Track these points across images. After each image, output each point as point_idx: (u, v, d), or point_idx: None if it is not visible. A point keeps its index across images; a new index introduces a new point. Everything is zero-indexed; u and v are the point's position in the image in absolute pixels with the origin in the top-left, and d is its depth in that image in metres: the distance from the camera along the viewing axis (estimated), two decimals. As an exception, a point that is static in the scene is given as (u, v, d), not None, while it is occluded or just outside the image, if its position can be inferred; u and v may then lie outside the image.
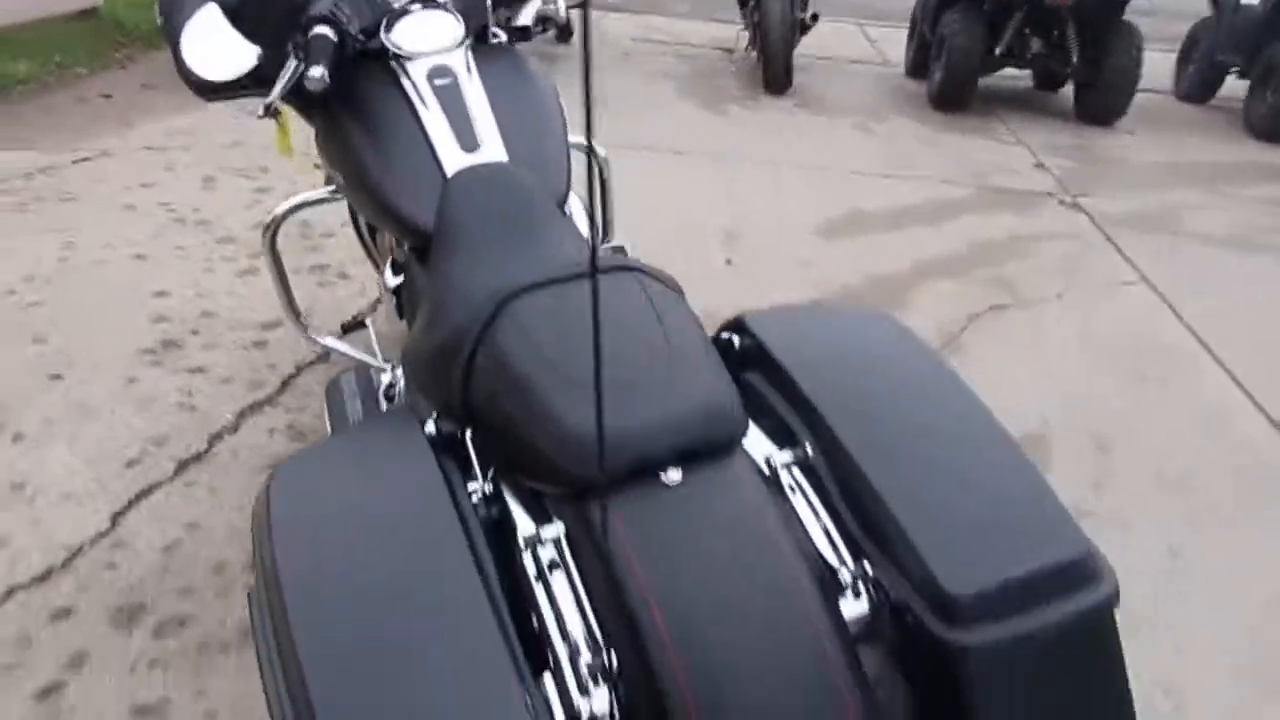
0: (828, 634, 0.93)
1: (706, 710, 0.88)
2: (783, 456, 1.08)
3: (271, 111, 1.57)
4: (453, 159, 1.50)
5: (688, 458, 1.01)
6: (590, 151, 0.96)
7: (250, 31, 1.56)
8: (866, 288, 3.20)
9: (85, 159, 3.81)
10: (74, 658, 1.65)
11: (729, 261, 3.32)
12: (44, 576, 1.81)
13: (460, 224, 1.44)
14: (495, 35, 1.83)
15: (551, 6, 5.00)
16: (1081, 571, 0.96)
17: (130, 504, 1.99)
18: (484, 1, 1.75)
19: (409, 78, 1.58)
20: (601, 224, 2.26)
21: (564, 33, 6.34)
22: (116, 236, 3.15)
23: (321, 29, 1.51)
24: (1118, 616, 0.99)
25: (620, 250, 2.15)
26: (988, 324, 3.03)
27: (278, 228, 1.89)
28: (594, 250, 0.82)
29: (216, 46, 1.55)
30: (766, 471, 1.08)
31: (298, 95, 1.55)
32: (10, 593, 1.77)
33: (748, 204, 3.86)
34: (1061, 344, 2.94)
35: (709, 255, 3.35)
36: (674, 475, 1.00)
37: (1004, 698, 0.94)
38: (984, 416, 1.11)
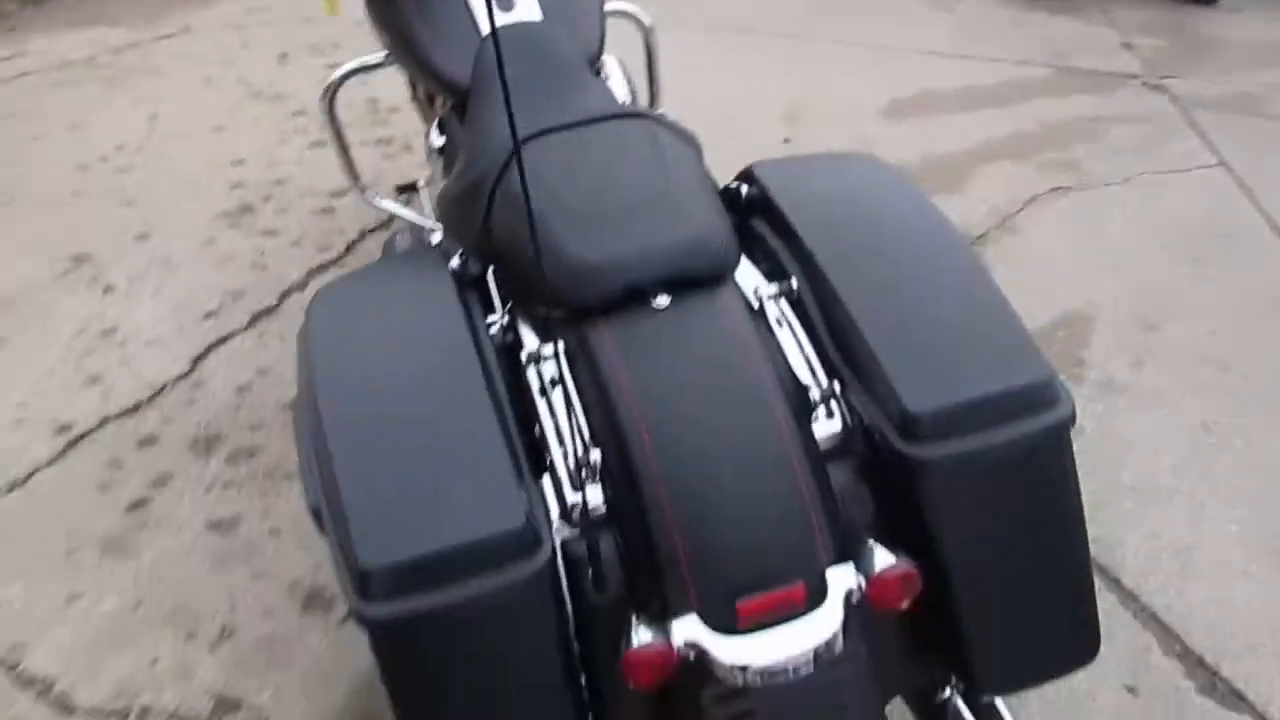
0: (794, 446, 1.02)
1: (680, 506, 0.98)
2: (769, 289, 1.15)
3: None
4: (489, 13, 1.57)
5: (676, 286, 1.10)
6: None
7: None
8: (925, 167, 3.19)
9: (168, 36, 3.95)
10: (159, 478, 1.85)
11: (787, 140, 3.33)
12: (133, 409, 2.01)
13: (492, 79, 1.52)
14: None
15: None
16: (1039, 395, 1.03)
17: (208, 350, 2.18)
18: None
19: None
20: (649, 89, 2.32)
21: None
22: (197, 109, 3.30)
23: None
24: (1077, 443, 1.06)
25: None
26: (1047, 205, 3.00)
27: (335, 91, 1.99)
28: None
29: None
30: (755, 304, 1.16)
31: None
32: (104, 422, 1.98)
33: (814, 84, 3.82)
34: (1122, 226, 2.90)
35: (767, 132, 3.36)
36: (662, 300, 1.09)
37: (958, 510, 1.03)
38: (963, 253, 1.18)
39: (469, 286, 1.23)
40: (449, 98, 1.64)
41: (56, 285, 2.35)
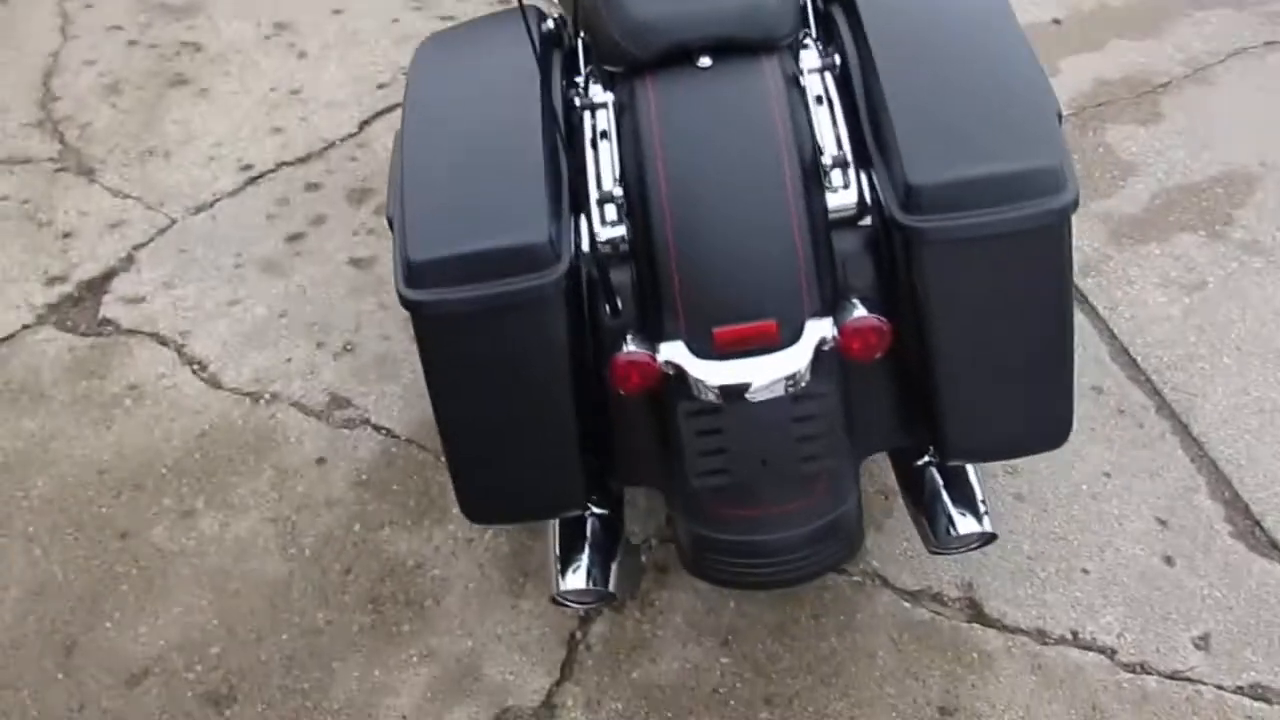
0: (797, 207, 1.11)
1: (682, 245, 1.11)
2: (813, 63, 1.21)
3: None
4: None
5: (721, 50, 1.18)
6: None
7: None
8: (1124, 7, 2.97)
9: None
10: (316, 218, 2.13)
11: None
12: (304, 159, 2.29)
13: None
14: None
15: None
16: (1043, 180, 1.07)
17: (375, 116, 2.41)
18: None
19: None
20: None
21: None
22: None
23: None
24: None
25: None
26: (1253, 60, 2.74)
27: None
28: None
29: None
30: (798, 76, 1.22)
31: None
32: (279, 166, 2.26)
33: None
34: (1332, 89, 2.64)
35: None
36: (704, 61, 1.18)
37: (946, 282, 1.10)
38: (1019, 48, 1.19)
39: (559, 48, 1.36)
40: None
41: (259, 47, 2.63)
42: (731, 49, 1.19)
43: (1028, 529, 1.59)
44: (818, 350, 1.08)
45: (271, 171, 2.25)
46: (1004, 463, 1.68)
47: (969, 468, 1.27)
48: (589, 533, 1.26)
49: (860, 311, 1.08)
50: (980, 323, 1.12)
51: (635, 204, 1.15)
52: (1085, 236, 2.12)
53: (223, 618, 1.44)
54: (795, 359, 1.07)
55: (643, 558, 1.52)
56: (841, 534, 1.19)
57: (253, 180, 2.22)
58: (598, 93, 1.25)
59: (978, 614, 1.47)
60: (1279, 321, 1.93)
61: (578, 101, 1.24)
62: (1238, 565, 1.55)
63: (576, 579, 1.22)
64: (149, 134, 2.34)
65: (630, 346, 1.09)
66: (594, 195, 1.17)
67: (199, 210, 2.15)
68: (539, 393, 1.14)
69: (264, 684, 1.37)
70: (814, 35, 1.31)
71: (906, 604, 1.48)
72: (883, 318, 1.08)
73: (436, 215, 1.14)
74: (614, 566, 1.27)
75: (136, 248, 2.04)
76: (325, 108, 2.44)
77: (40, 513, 1.56)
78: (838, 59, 1.22)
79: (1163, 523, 1.60)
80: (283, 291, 1.95)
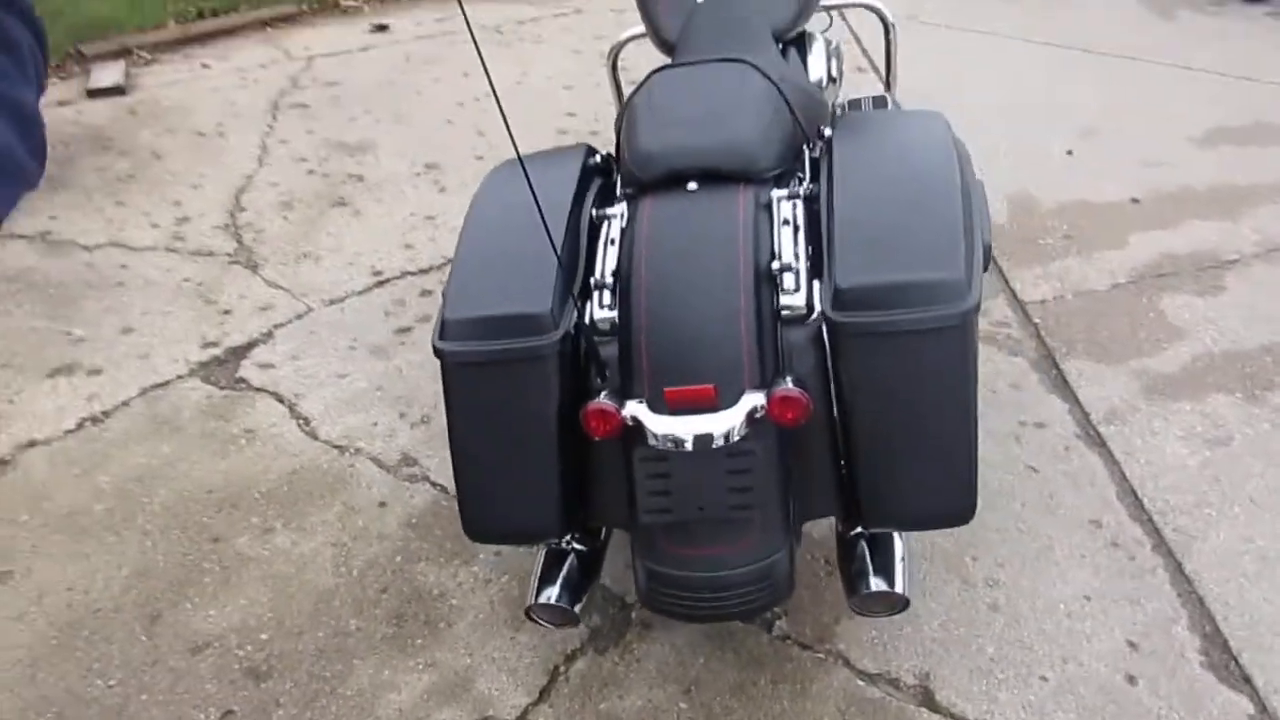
0: (748, 302, 1.37)
1: (652, 324, 1.38)
2: (782, 192, 1.49)
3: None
4: None
5: (708, 177, 1.48)
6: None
7: None
8: (1207, 191, 3.12)
9: (562, 14, 4.79)
10: (424, 317, 2.53)
11: (1069, 152, 3.39)
12: (426, 270, 2.72)
13: (688, 37, 1.98)
14: None
15: None
16: (947, 289, 1.30)
17: (492, 241, 2.83)
18: None
19: None
20: (885, 74, 2.65)
21: None
22: (559, 71, 4.06)
23: None
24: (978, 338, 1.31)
25: (881, 100, 2.54)
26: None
27: (618, 52, 2.54)
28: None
29: None
30: (775, 203, 1.50)
31: None
32: (403, 274, 2.70)
33: (1138, 106, 3.78)
34: None
35: (1053, 143, 3.44)
36: (692, 185, 1.48)
37: (861, 368, 1.33)
38: (951, 179, 1.43)
39: (604, 175, 1.69)
40: (663, 51, 2.11)
41: (409, 181, 3.14)
42: (716, 177, 1.49)
43: (995, 635, 1.71)
44: (750, 416, 1.32)
45: (397, 278, 2.68)
46: (985, 574, 1.81)
47: (896, 539, 1.45)
48: (567, 563, 1.50)
49: (787, 385, 1.32)
50: (891, 406, 1.33)
51: (623, 293, 1.44)
52: (1115, 388, 2.25)
53: (276, 612, 1.73)
54: (729, 419, 1.31)
55: (632, 614, 1.73)
56: (770, 580, 1.38)
57: (380, 283, 2.66)
58: (614, 208, 1.56)
59: (928, 700, 1.60)
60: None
61: (597, 213, 1.56)
62: (1202, 693, 1.61)
63: (546, 597, 1.46)
64: (306, 241, 2.83)
65: (601, 400, 1.36)
66: (594, 283, 1.47)
67: (332, 303, 2.58)
68: (531, 434, 1.42)
69: (296, 668, 1.65)
70: (804, 170, 1.60)
71: (861, 683, 1.62)
72: (805, 392, 1.31)
73: (469, 287, 1.47)
74: (585, 597, 1.50)
75: (277, 326, 2.48)
76: (451, 231, 2.87)
77: (157, 515, 1.93)
78: (811, 189, 1.49)
79: (1133, 645, 1.68)
80: (383, 370, 2.33)
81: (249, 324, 2.49)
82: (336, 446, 2.10)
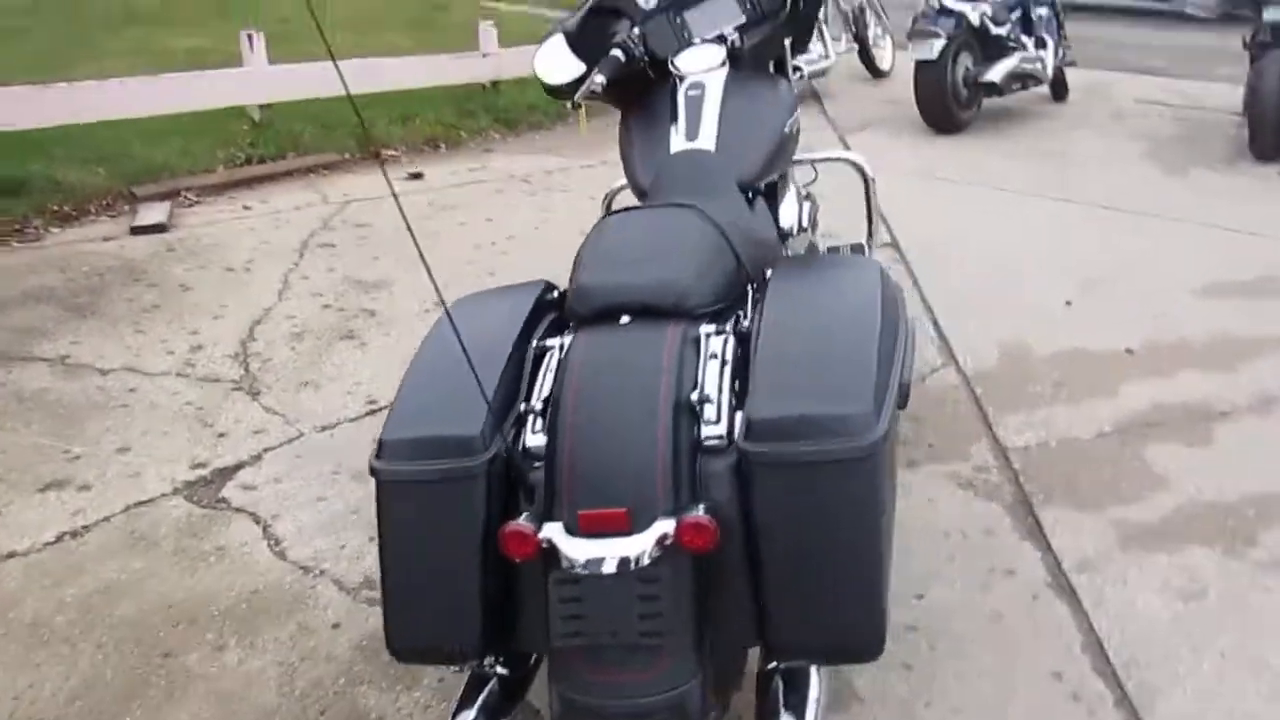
0: (665, 431, 1.41)
1: (576, 451, 1.42)
2: (709, 329, 1.55)
3: (576, 105, 2.33)
4: (677, 144, 2.16)
5: (640, 313, 1.56)
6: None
7: (580, 53, 2.33)
8: (1205, 343, 3.12)
9: (589, 166, 5.04)
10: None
11: (1069, 303, 3.44)
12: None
13: (658, 185, 2.10)
14: (798, 70, 2.49)
15: (1036, 65, 5.67)
16: (852, 424, 1.33)
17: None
18: (779, 44, 2.40)
19: (678, 87, 2.25)
20: (866, 225, 2.76)
21: (1058, 91, 6.44)
22: (577, 218, 4.25)
23: (614, 53, 2.24)
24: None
25: (858, 248, 2.64)
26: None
27: (613, 198, 2.69)
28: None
29: (555, 62, 2.34)
30: (704, 338, 1.56)
31: (608, 92, 2.30)
32: (397, 404, 2.78)
33: (1143, 260, 3.85)
34: None
35: (1053, 294, 3.49)
36: (624, 319, 1.56)
37: (771, 498, 1.36)
38: (871, 321, 1.49)
39: (557, 310, 1.78)
40: (636, 196, 2.23)
41: (419, 318, 3.28)
42: (650, 313, 1.56)
43: (938, 782, 1.66)
44: (661, 541, 1.34)
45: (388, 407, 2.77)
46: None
47: (812, 678, 1.43)
48: (489, 687, 1.51)
49: (696, 512, 1.35)
50: (798, 536, 1.34)
51: (551, 419, 1.50)
52: (1091, 537, 2.23)
53: (214, 730, 1.75)
54: (639, 544, 1.33)
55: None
56: (681, 709, 1.37)
57: (372, 412, 2.76)
58: (555, 339, 1.64)
59: None
60: (1278, 640, 1.93)
61: (540, 344, 1.63)
62: None
63: (461, 720, 1.46)
64: (311, 370, 2.96)
65: (519, 521, 1.40)
66: (524, 410, 1.53)
67: (324, 429, 2.68)
68: (457, 554, 1.45)
69: (224, 786, 1.65)
70: (747, 308, 1.67)
71: (793, 829, 1.57)
72: (714, 520, 1.34)
73: (408, 411, 1.54)
74: (503, 723, 1.50)
75: (267, 450, 2.57)
76: (451, 364, 2.99)
77: (115, 628, 1.97)
78: (745, 326, 1.56)
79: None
80: (363, 495, 2.38)
81: (240, 447, 2.58)
82: (302, 567, 2.14)
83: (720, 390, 1.48)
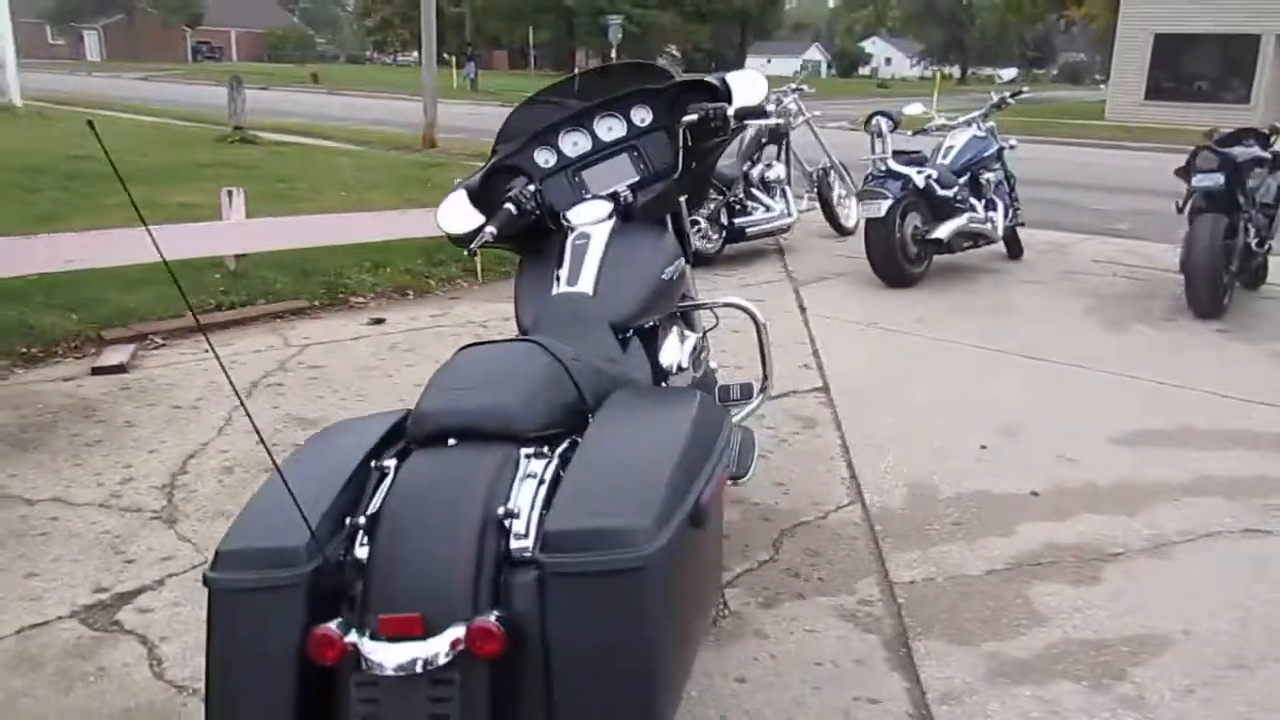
0: (469, 545, 1.51)
1: (388, 563, 1.53)
2: (528, 450, 1.68)
3: (471, 253, 2.54)
4: (558, 287, 2.35)
5: (466, 435, 1.69)
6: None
7: (481, 206, 2.55)
8: (1112, 487, 3.21)
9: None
10: (312, 573, 2.68)
11: (983, 447, 3.55)
12: (330, 532, 2.90)
13: (539, 323, 2.27)
14: (696, 223, 2.72)
15: (985, 225, 6.10)
16: (631, 536, 1.44)
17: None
18: (673, 200, 2.64)
19: (567, 237, 2.46)
20: (761, 368, 2.92)
21: (1012, 249, 6.74)
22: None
23: (507, 205, 2.46)
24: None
25: (747, 389, 2.80)
26: (1220, 543, 2.88)
27: None
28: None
29: (456, 214, 2.56)
30: (524, 459, 1.68)
31: (507, 241, 2.51)
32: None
33: (1064, 408, 3.98)
34: (1299, 575, 2.69)
35: (970, 439, 3.61)
36: (451, 442, 1.69)
37: (557, 607, 1.45)
38: (674, 444, 1.62)
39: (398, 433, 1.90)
40: (521, 332, 2.40)
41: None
42: (476, 436, 1.69)
43: None
44: (454, 646, 1.43)
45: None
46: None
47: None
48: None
49: (486, 619, 1.44)
50: (582, 644, 1.43)
51: (371, 532, 1.61)
52: (961, 669, 2.27)
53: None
54: (431, 648, 1.42)
55: None
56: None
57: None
58: (394, 460, 1.75)
59: None
60: None
61: (379, 463, 1.76)
62: None
63: None
64: (232, 503, 3.07)
65: (328, 626, 1.49)
66: (350, 523, 1.64)
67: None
68: (274, 662, 1.54)
69: None
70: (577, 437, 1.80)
71: None
72: (500, 626, 1.43)
73: (247, 525, 1.65)
74: None
75: (171, 576, 2.66)
76: (369, 498, 3.10)
77: (-22, 746, 2.03)
78: (548, 448, 1.68)
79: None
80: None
81: (146, 573, 2.67)
82: (178, 686, 2.20)
83: (533, 507, 1.59)
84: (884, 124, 5.82)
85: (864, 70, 79.61)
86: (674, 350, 2.54)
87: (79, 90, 26.61)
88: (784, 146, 7.03)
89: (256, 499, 1.70)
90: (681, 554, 1.55)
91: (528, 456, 1.67)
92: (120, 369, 4.27)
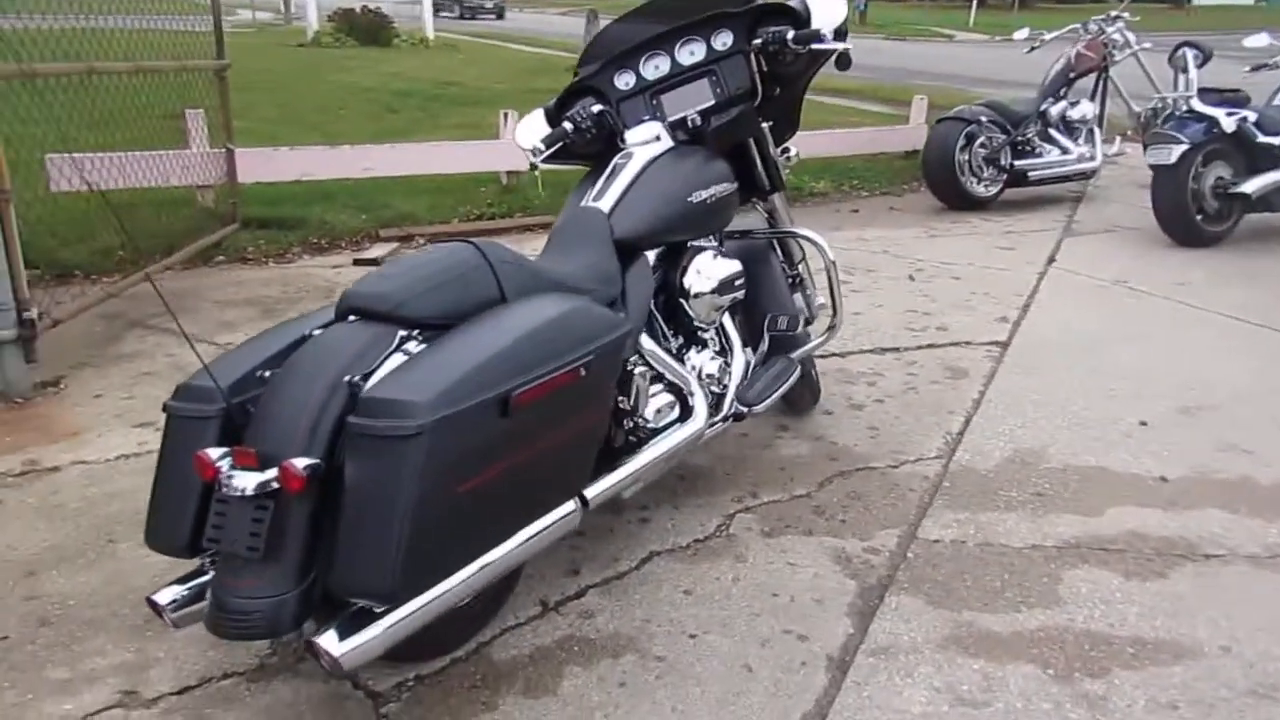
0: (318, 400, 1.76)
1: (256, 409, 1.83)
2: (403, 332, 1.88)
3: (533, 167, 2.74)
4: (587, 200, 2.52)
5: (363, 314, 1.93)
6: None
7: (555, 125, 2.75)
8: (1268, 486, 2.74)
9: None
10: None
11: (1143, 423, 3.15)
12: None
13: (556, 231, 2.48)
14: (785, 151, 2.81)
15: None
16: (407, 409, 1.64)
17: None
18: (751, 125, 2.71)
19: (617, 153, 2.61)
20: (830, 301, 2.90)
21: None
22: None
23: (564, 124, 2.64)
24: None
25: (793, 320, 2.80)
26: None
27: None
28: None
29: (530, 131, 2.78)
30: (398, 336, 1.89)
31: (581, 159, 2.72)
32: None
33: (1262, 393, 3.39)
34: None
35: (1135, 412, 3.21)
36: (351, 319, 1.94)
37: (352, 460, 1.68)
38: (507, 341, 1.78)
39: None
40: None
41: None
42: (371, 316, 1.92)
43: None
44: (275, 479, 1.71)
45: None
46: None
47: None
48: (198, 579, 1.93)
49: (294, 462, 1.69)
50: (353, 494, 1.64)
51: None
52: (919, 631, 2.16)
53: None
54: (255, 478, 1.71)
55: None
56: (271, 617, 1.70)
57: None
58: (318, 331, 2.02)
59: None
60: None
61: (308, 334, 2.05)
62: None
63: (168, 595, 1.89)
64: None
65: (207, 450, 1.81)
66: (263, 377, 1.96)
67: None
68: (187, 475, 1.91)
69: None
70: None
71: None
72: (305, 469, 1.67)
73: (214, 369, 2.03)
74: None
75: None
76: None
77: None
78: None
79: None
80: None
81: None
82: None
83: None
84: (1190, 56, 5.09)
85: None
86: (700, 273, 2.58)
87: (494, 27, 29.78)
88: (1100, 82, 6.34)
89: (227, 355, 2.06)
90: (472, 435, 1.70)
91: (404, 338, 1.88)
92: (375, 262, 5.00)
